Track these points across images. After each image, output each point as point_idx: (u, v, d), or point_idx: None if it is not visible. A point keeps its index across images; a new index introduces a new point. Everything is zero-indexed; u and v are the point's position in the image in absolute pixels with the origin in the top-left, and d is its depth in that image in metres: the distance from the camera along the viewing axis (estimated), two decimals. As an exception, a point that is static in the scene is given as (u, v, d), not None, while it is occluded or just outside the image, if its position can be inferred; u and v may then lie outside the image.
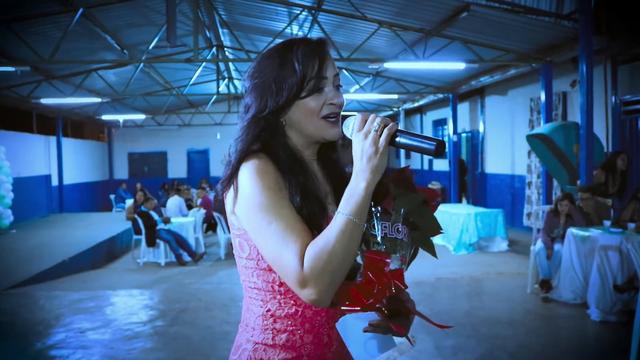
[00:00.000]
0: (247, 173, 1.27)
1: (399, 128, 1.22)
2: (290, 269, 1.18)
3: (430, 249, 1.36)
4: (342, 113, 1.38)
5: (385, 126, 1.21)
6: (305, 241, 1.20)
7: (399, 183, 1.33)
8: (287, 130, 1.38)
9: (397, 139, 1.22)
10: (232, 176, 1.30)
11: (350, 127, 1.27)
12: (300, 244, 1.19)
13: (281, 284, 1.31)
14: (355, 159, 1.22)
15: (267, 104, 1.33)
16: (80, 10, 8.62)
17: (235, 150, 1.34)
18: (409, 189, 1.33)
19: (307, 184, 1.31)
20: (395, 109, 18.58)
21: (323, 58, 1.34)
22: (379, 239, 1.28)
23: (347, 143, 1.52)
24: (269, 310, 1.33)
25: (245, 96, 1.40)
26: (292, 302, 1.33)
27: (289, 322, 1.33)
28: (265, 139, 1.35)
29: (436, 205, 1.35)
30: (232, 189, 1.30)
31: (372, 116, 1.23)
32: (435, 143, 1.20)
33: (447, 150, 15.76)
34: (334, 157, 1.48)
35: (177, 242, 9.27)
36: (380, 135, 1.20)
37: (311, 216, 1.28)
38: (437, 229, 1.33)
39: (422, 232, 1.33)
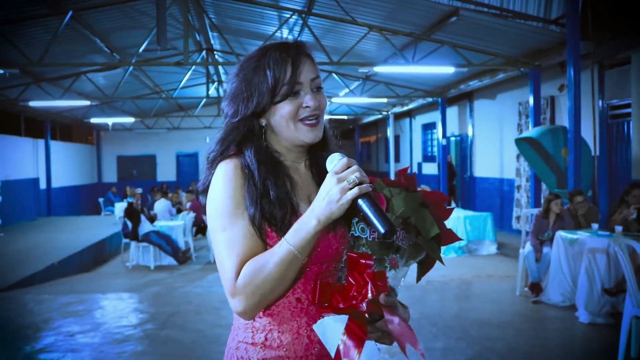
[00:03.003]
0: (215, 178, 1.34)
1: (370, 193, 1.22)
2: (227, 278, 1.26)
3: (436, 254, 1.34)
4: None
5: (359, 184, 1.20)
6: (248, 256, 1.26)
7: (408, 186, 1.31)
8: (269, 134, 1.41)
9: (361, 201, 1.20)
10: (207, 180, 1.38)
11: (332, 165, 1.26)
12: (241, 259, 1.26)
13: None
14: (319, 193, 1.23)
15: (239, 109, 1.37)
16: (70, 13, 8.59)
17: (209, 151, 1.42)
18: (408, 191, 1.30)
19: (278, 188, 1.33)
20: (384, 113, 18.64)
21: (297, 63, 1.35)
22: (365, 242, 1.28)
23: (342, 145, 1.52)
24: None
25: (222, 100, 1.46)
26: None
27: (267, 322, 1.35)
28: (240, 143, 1.39)
29: (450, 210, 1.34)
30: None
31: (355, 167, 1.23)
32: (387, 228, 1.17)
33: (435, 155, 15.85)
34: (325, 156, 1.44)
35: (168, 243, 9.24)
36: (350, 189, 1.20)
37: (279, 219, 1.30)
38: (433, 230, 1.29)
39: (422, 234, 1.29)
